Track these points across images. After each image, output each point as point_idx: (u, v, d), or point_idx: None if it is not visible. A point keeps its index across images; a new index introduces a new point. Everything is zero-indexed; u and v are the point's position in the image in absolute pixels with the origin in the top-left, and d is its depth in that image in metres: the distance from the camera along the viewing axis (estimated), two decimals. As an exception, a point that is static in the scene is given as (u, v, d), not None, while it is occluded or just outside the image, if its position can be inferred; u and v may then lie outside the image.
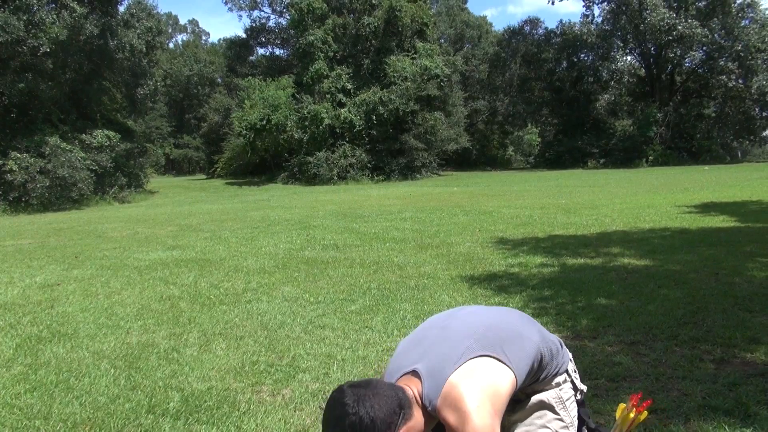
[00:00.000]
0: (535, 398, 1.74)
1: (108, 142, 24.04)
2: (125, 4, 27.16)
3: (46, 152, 21.20)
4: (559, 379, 1.76)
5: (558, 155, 41.01)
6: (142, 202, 24.64)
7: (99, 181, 23.50)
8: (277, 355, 3.96)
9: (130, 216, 16.27)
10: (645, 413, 1.77)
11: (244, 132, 31.80)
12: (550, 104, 46.18)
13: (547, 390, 1.75)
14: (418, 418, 1.49)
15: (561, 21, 54.07)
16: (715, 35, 37.31)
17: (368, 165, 32.47)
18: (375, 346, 4.06)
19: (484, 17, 55.47)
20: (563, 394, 1.76)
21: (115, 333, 4.60)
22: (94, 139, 23.65)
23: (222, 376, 3.61)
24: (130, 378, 3.61)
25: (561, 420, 1.74)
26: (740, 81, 38.07)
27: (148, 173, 31.29)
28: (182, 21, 74.00)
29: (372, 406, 1.38)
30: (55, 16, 21.74)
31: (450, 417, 1.46)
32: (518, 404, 1.75)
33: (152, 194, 27.79)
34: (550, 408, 1.74)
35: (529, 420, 1.73)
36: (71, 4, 21.94)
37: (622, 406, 1.85)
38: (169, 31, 64.78)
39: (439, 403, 1.49)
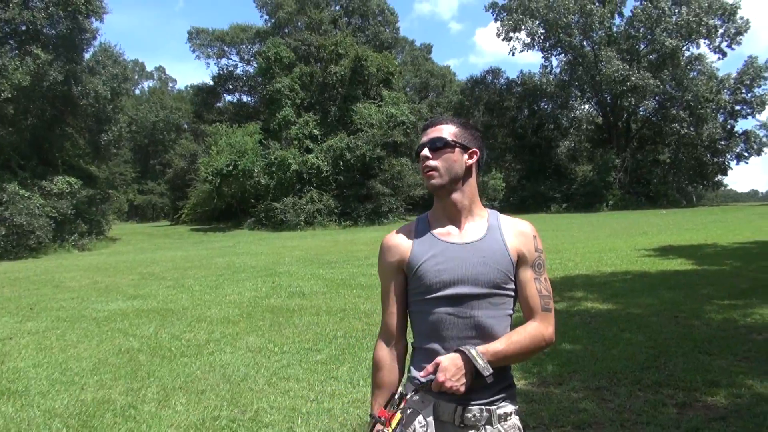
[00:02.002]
0: (511, 422, 1.59)
1: (69, 189, 23.51)
2: (91, 50, 27.08)
3: (4, 199, 20.60)
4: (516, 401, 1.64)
5: (522, 200, 41.82)
6: (103, 249, 23.99)
7: (58, 229, 22.82)
8: (239, 410, 3.85)
9: (89, 264, 15.81)
10: None
11: (211, 178, 31.59)
12: (513, 150, 47.36)
13: (516, 412, 1.61)
14: (473, 180, 1.74)
15: (521, 71, 56.10)
16: (666, 86, 39.26)
17: (335, 210, 32.49)
18: (341, 398, 3.98)
19: (448, 67, 57.26)
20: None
21: (69, 389, 4.41)
22: (55, 185, 23.11)
23: (181, 433, 3.48)
24: (84, 438, 3.44)
25: None
26: (691, 129, 39.90)
27: (110, 220, 30.54)
28: (149, 68, 74.25)
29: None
30: (18, 63, 21.52)
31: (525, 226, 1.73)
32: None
33: (114, 241, 27.13)
34: None
35: None
36: (35, 51, 21.79)
37: None
38: (136, 77, 64.75)
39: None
